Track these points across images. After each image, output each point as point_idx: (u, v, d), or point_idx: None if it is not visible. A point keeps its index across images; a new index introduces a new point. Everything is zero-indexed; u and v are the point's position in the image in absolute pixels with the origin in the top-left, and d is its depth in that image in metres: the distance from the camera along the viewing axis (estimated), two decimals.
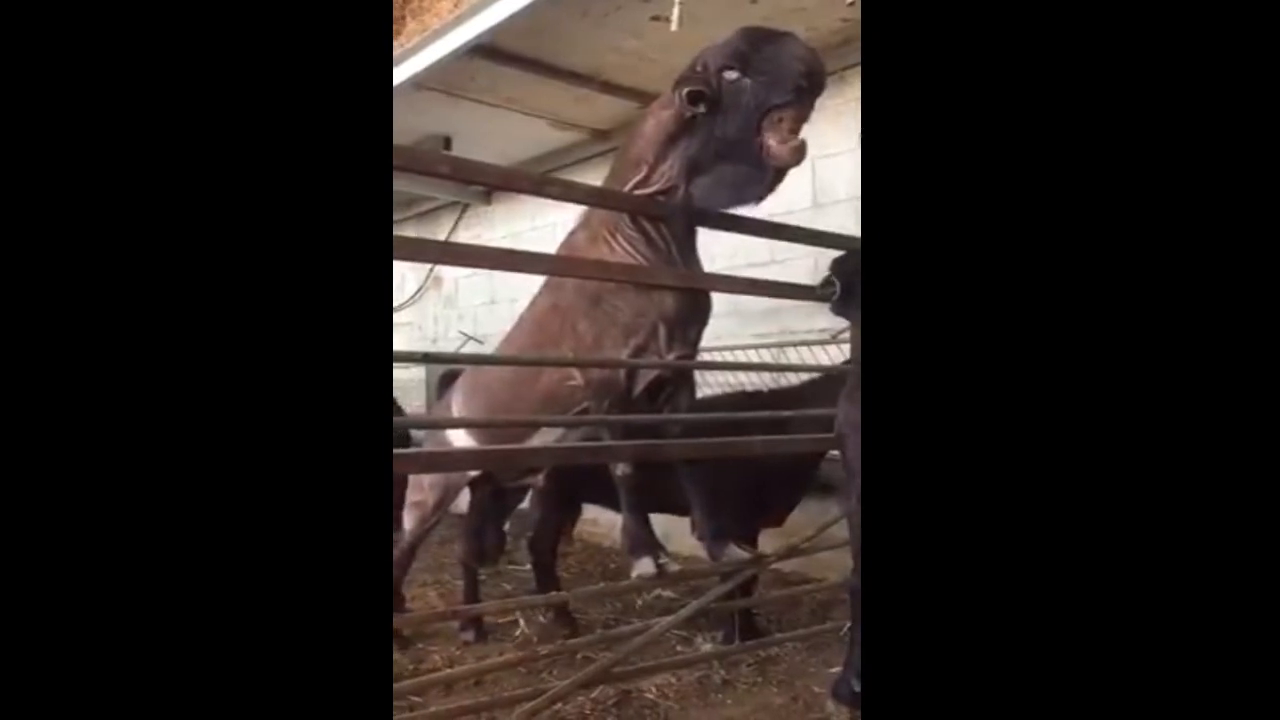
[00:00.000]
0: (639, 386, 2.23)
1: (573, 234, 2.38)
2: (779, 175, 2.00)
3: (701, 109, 1.95)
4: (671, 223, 2.16)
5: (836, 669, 2.19)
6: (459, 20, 3.19)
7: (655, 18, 2.90)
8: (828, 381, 2.64)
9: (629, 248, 2.16)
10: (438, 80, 3.65)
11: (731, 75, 1.92)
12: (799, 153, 1.92)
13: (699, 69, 1.98)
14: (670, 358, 2.17)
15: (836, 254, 3.05)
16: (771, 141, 1.90)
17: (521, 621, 2.85)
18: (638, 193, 2.11)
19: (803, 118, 1.95)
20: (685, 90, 1.95)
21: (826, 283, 2.16)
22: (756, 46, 1.92)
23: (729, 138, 1.95)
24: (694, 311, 2.25)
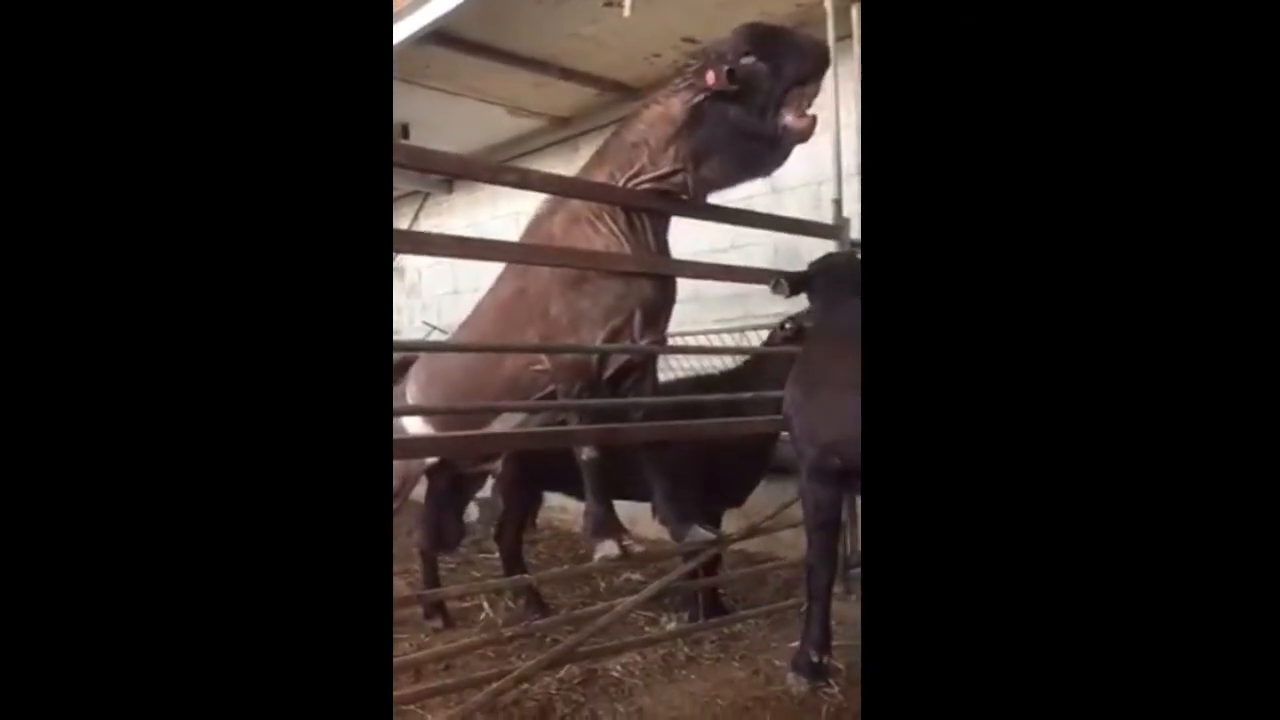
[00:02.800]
0: (610, 370, 2.27)
1: (547, 217, 2.39)
2: (789, 151, 2.20)
3: (735, 87, 2.10)
4: (651, 209, 2.26)
5: (796, 643, 2.25)
6: (413, 6, 3.17)
7: (608, 4, 2.91)
8: (763, 362, 2.70)
9: (614, 228, 2.20)
10: (394, 67, 3.62)
11: (748, 60, 2.08)
12: (813, 126, 2.14)
13: (724, 53, 2.13)
14: (643, 343, 2.21)
15: (793, 238, 3.11)
16: (789, 118, 2.11)
17: (486, 605, 2.87)
18: (641, 178, 2.20)
19: (815, 94, 2.17)
20: (725, 69, 2.10)
21: (776, 283, 2.30)
22: (768, 34, 2.13)
23: (748, 118, 2.12)
24: (665, 297, 2.31)
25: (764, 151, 2.17)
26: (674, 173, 2.18)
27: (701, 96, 2.12)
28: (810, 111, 2.13)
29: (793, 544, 3.15)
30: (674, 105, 2.18)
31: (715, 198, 2.34)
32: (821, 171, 3.47)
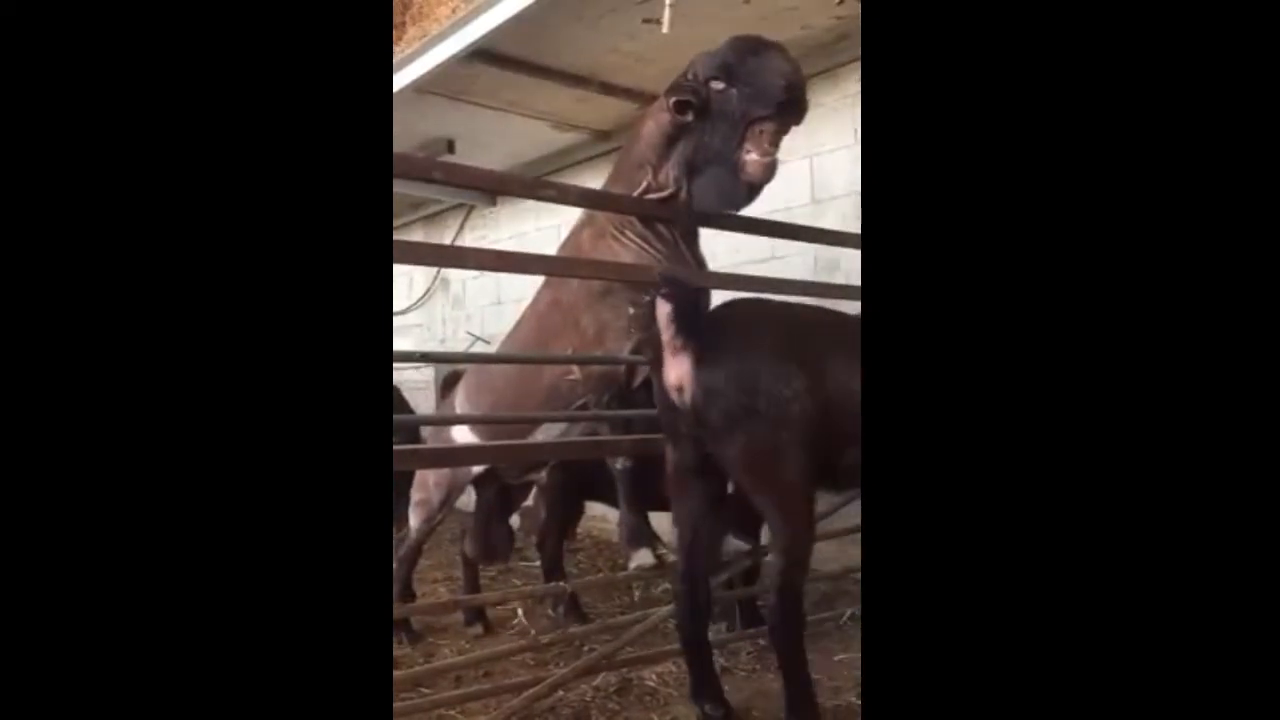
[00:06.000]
0: (638, 379, 2.29)
1: (578, 231, 2.44)
2: (755, 188, 2.09)
3: (689, 118, 2.03)
4: (677, 220, 2.24)
5: (842, 656, 2.25)
6: (457, 25, 3.24)
7: (647, 20, 2.94)
8: None
9: (639, 243, 2.22)
10: (439, 84, 3.70)
11: (719, 86, 2.01)
12: (770, 170, 2.02)
13: (689, 78, 2.06)
14: None
15: (834, 249, 3.09)
16: (750, 156, 1.99)
17: (520, 613, 2.91)
18: (649, 197, 2.19)
19: (783, 131, 2.05)
20: (673, 100, 2.04)
21: None
22: (742, 58, 2.01)
23: (715, 146, 2.04)
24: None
25: (730, 183, 2.07)
26: (676, 193, 2.15)
27: (679, 120, 2.05)
28: (776, 153, 1.99)
29: (833, 556, 3.13)
30: (662, 120, 2.15)
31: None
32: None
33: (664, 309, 1.76)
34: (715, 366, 1.74)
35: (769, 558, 1.80)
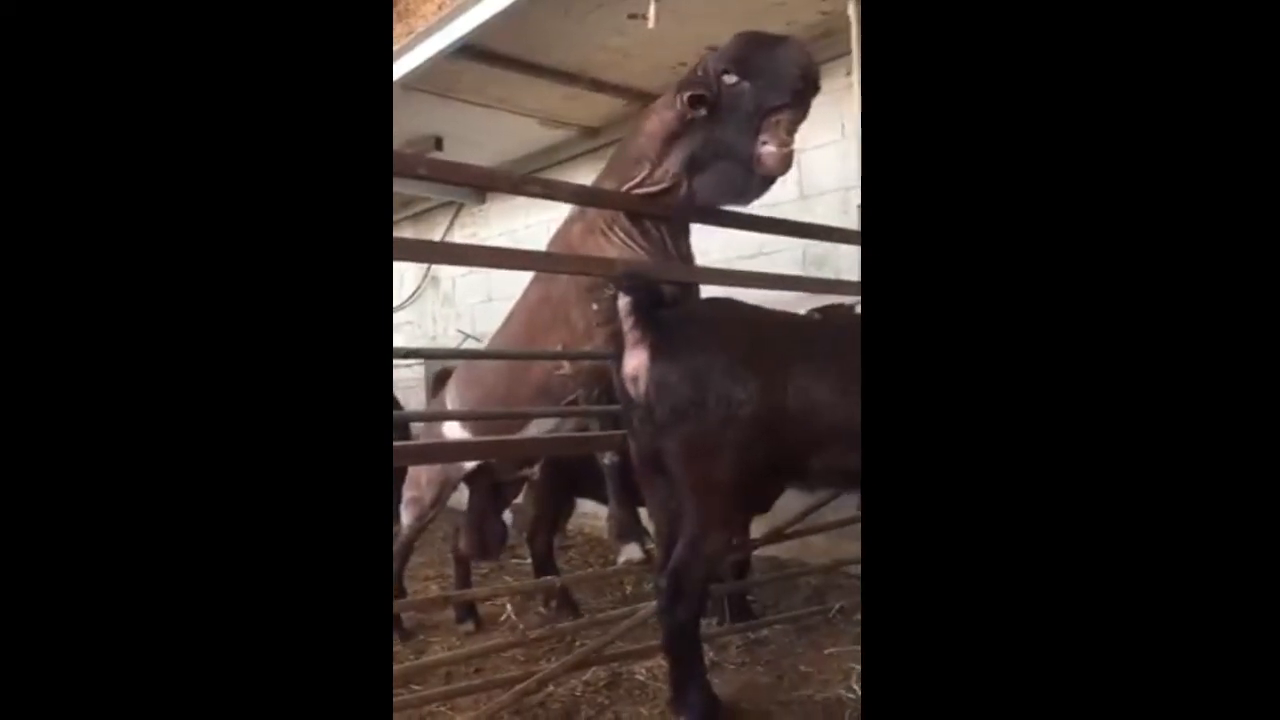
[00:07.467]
0: None
1: (568, 226, 2.45)
2: (769, 180, 2.11)
3: (702, 112, 2.04)
4: (667, 215, 2.25)
5: (832, 650, 2.26)
6: (443, 22, 3.23)
7: (633, 15, 2.94)
8: None
9: (626, 240, 2.23)
10: (427, 81, 3.70)
11: (731, 80, 2.03)
12: (786, 162, 2.04)
13: (700, 73, 2.08)
14: None
15: (822, 245, 3.09)
16: (766, 148, 2.01)
17: (509, 608, 2.92)
18: (640, 190, 2.21)
19: (799, 120, 2.06)
20: (687, 95, 2.06)
21: None
22: (755, 51, 2.03)
23: (727, 140, 2.06)
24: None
25: (742, 177, 2.09)
26: (670, 189, 2.17)
27: (692, 114, 2.08)
28: (792, 144, 2.01)
29: (825, 550, 3.14)
30: (666, 117, 2.16)
31: None
32: (850, 177, 3.47)
33: (624, 302, 1.79)
34: (670, 361, 1.75)
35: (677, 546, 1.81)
